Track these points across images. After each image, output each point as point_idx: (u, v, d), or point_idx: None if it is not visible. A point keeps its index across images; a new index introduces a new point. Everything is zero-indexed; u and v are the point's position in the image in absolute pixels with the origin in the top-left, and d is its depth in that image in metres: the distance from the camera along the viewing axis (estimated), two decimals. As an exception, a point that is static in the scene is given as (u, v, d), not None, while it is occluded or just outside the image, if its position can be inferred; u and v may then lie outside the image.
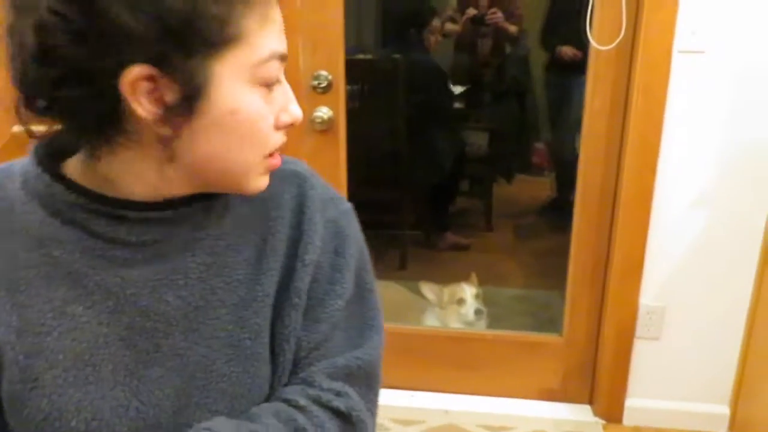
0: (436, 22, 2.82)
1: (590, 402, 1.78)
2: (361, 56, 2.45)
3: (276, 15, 0.53)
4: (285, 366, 0.61)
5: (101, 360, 0.54)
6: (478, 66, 3.43)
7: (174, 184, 0.55)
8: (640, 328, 1.64)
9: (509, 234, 3.27)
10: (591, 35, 1.50)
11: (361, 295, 0.67)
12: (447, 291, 1.93)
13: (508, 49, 3.46)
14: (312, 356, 0.62)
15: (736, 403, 1.64)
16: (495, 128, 3.24)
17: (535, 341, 1.83)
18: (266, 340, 0.61)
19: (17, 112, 0.52)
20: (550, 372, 1.80)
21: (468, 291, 1.90)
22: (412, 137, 2.67)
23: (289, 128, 0.57)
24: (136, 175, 0.54)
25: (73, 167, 0.56)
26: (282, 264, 0.62)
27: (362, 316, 0.67)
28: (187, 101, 0.49)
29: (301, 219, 0.63)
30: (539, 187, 3.64)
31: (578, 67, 3.03)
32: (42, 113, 0.51)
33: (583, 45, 2.99)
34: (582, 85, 3.04)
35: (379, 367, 0.67)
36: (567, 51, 3.02)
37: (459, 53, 3.50)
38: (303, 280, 0.62)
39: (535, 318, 2.36)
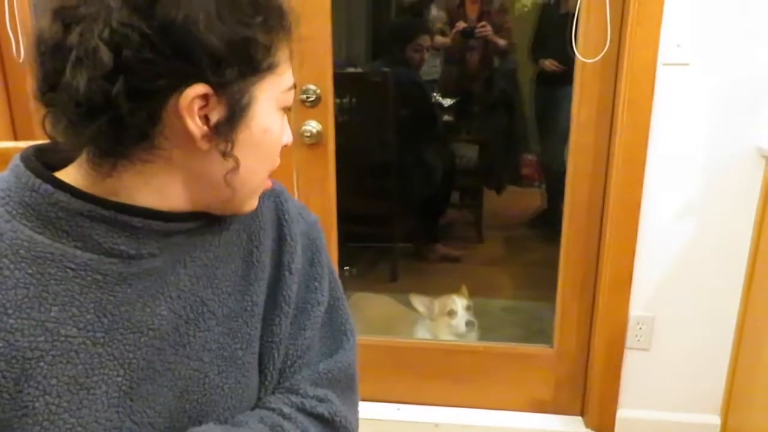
0: (424, 38, 2.84)
1: (582, 413, 1.78)
2: (350, 70, 2.47)
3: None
4: (273, 374, 0.63)
5: (95, 382, 0.53)
6: (467, 79, 3.46)
7: (182, 201, 0.55)
8: (630, 339, 1.64)
9: (500, 245, 3.28)
10: (576, 48, 1.52)
11: (333, 302, 0.71)
12: (438, 303, 1.93)
13: (496, 62, 3.50)
14: (296, 364, 0.64)
15: (726, 412, 1.64)
16: (485, 140, 3.26)
17: (526, 353, 1.82)
18: (256, 349, 0.62)
19: (43, 122, 0.52)
20: (541, 383, 1.79)
21: (459, 303, 1.90)
22: (401, 150, 2.69)
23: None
24: (153, 189, 0.54)
25: (71, 177, 0.54)
26: (269, 274, 0.64)
27: (336, 322, 0.71)
28: (231, 119, 0.52)
29: (282, 231, 0.66)
30: (529, 199, 3.66)
31: (564, 79, 3.08)
32: (69, 125, 0.50)
33: (568, 58, 3.05)
34: (568, 97, 3.10)
35: (356, 367, 0.71)
36: (549, 64, 3.06)
37: (448, 66, 3.53)
38: (291, 288, 0.64)
39: (525, 329, 2.36)
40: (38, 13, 0.50)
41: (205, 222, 0.59)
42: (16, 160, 0.54)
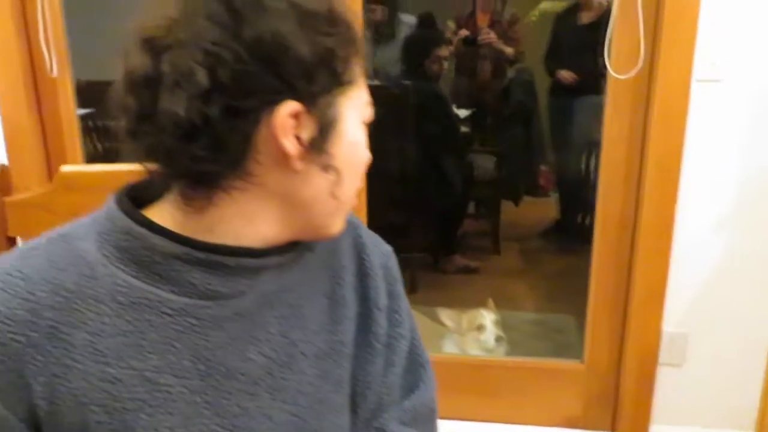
0: (442, 50, 2.85)
1: (613, 430, 1.77)
2: (374, 83, 2.48)
3: None
4: (365, 414, 0.62)
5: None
6: (479, 89, 3.47)
7: (274, 229, 0.55)
8: (663, 355, 1.63)
9: (516, 256, 3.28)
10: (609, 64, 1.52)
11: (411, 334, 0.69)
12: (466, 317, 1.93)
13: (510, 72, 3.50)
14: (385, 402, 0.63)
15: (760, 429, 1.63)
16: (502, 151, 3.26)
17: (556, 368, 1.82)
18: (347, 390, 0.61)
19: (141, 154, 0.52)
20: (571, 399, 1.78)
21: (488, 317, 1.89)
22: (421, 162, 2.69)
23: None
24: (247, 219, 0.53)
25: (164, 216, 0.53)
26: (355, 312, 0.63)
27: (413, 354, 0.69)
28: (322, 136, 0.51)
29: (363, 266, 0.65)
30: (543, 209, 3.66)
31: (580, 90, 3.09)
32: (167, 153, 0.49)
33: (584, 70, 3.06)
34: (584, 108, 3.10)
35: (436, 400, 0.69)
36: (565, 75, 3.07)
37: (459, 76, 3.54)
38: (380, 325, 0.63)
39: (549, 342, 2.35)
40: (125, 53, 0.50)
41: (289, 258, 0.58)
42: (110, 202, 0.54)
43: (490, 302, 1.99)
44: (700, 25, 1.40)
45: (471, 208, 3.45)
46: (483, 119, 3.42)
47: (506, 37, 3.37)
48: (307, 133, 0.50)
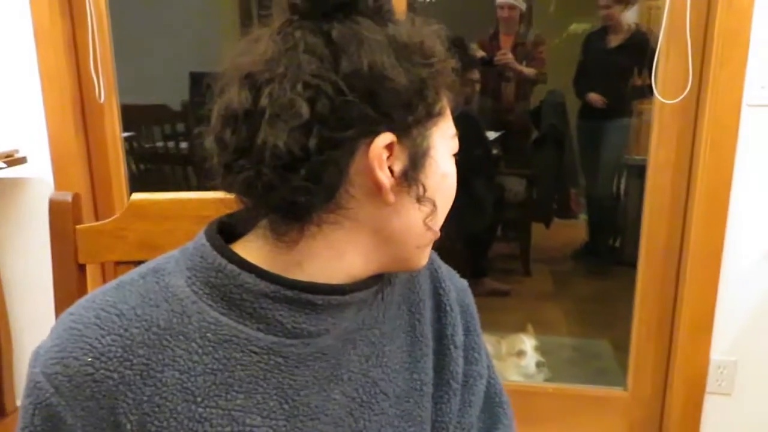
0: (473, 73, 2.86)
1: (657, 459, 1.73)
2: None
3: None
4: None
5: None
6: (506, 111, 3.47)
7: (361, 264, 0.54)
8: (711, 384, 1.60)
9: (547, 279, 3.25)
10: (656, 88, 1.51)
11: (488, 372, 0.67)
12: (505, 343, 1.90)
13: (540, 94, 3.50)
14: None
15: (814, 462, 1.58)
16: (532, 173, 3.25)
17: (598, 395, 1.78)
18: (428, 431, 0.59)
19: (226, 187, 0.52)
20: (614, 428, 1.75)
21: (527, 343, 1.87)
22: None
23: None
24: (338, 253, 0.52)
25: (252, 251, 0.53)
26: (432, 349, 0.61)
27: (491, 393, 0.67)
28: (413, 168, 0.51)
29: (440, 301, 0.63)
30: (573, 231, 3.63)
31: (609, 113, 3.08)
32: (264, 186, 0.49)
33: (612, 92, 3.05)
34: (614, 131, 3.08)
35: None
36: (595, 98, 3.06)
37: (484, 98, 3.55)
38: (458, 363, 0.61)
39: (585, 368, 2.32)
40: (220, 89, 0.51)
41: (371, 293, 0.57)
42: (201, 238, 0.54)
43: (530, 327, 1.97)
44: (750, 47, 1.39)
45: (501, 231, 3.43)
46: (512, 141, 3.41)
47: (530, 59, 3.38)
48: (400, 164, 0.50)
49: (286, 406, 0.52)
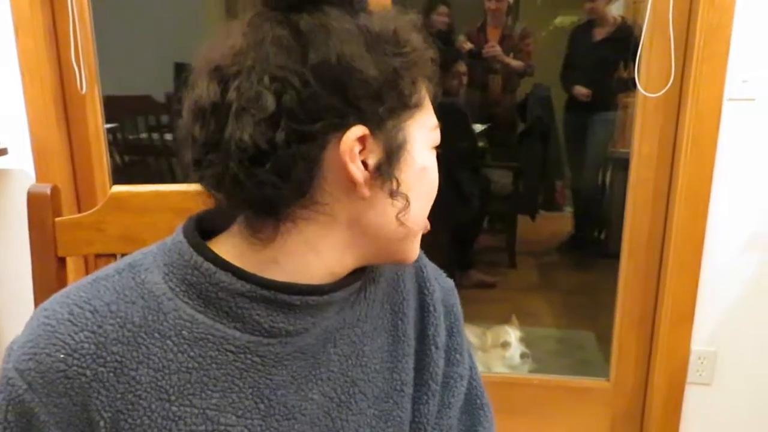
0: (460, 65, 2.86)
1: (639, 449, 1.75)
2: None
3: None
4: None
5: None
6: (493, 103, 3.47)
7: (347, 260, 0.53)
8: (692, 374, 1.62)
9: (533, 271, 3.27)
10: (639, 82, 1.52)
11: (470, 373, 0.66)
12: (490, 334, 1.92)
13: (526, 87, 3.51)
14: None
15: (791, 450, 1.61)
16: (518, 166, 3.26)
17: (581, 386, 1.80)
18: (407, 431, 0.59)
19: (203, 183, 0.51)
20: (597, 418, 1.77)
21: (512, 334, 1.88)
22: (440, 177, 2.69)
23: None
24: (314, 250, 0.52)
25: (227, 250, 0.52)
26: (414, 349, 0.60)
27: (471, 395, 0.66)
28: (389, 161, 0.50)
29: (424, 300, 0.62)
30: (558, 223, 3.65)
31: (595, 106, 3.09)
32: (232, 181, 0.48)
33: (597, 85, 3.06)
34: (600, 124, 3.10)
35: None
36: (581, 91, 3.07)
37: (471, 90, 3.55)
38: (438, 364, 0.61)
39: (569, 359, 2.34)
40: (191, 83, 0.50)
41: (352, 291, 0.56)
42: (179, 234, 0.53)
43: (514, 319, 1.98)
44: (732, 42, 1.40)
45: (487, 223, 3.44)
46: (498, 134, 3.42)
47: (517, 52, 3.38)
48: (374, 158, 0.49)
49: (261, 406, 0.52)
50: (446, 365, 0.62)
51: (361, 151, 0.49)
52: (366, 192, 0.50)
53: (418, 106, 0.52)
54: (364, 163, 0.49)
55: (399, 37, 0.50)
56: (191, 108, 0.50)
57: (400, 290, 0.61)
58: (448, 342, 0.63)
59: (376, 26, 0.49)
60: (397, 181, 0.51)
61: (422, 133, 0.52)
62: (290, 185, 0.48)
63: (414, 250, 0.57)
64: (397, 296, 0.61)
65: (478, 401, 0.66)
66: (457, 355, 0.63)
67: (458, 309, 0.66)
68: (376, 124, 0.49)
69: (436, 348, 0.61)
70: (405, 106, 0.50)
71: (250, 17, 0.49)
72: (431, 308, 0.62)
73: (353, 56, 0.47)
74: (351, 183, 0.49)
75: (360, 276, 0.57)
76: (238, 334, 0.50)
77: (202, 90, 0.48)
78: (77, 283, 0.53)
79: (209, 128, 0.48)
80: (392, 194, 0.51)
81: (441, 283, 0.65)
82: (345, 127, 0.47)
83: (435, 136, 0.54)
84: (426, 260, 0.65)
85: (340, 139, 0.48)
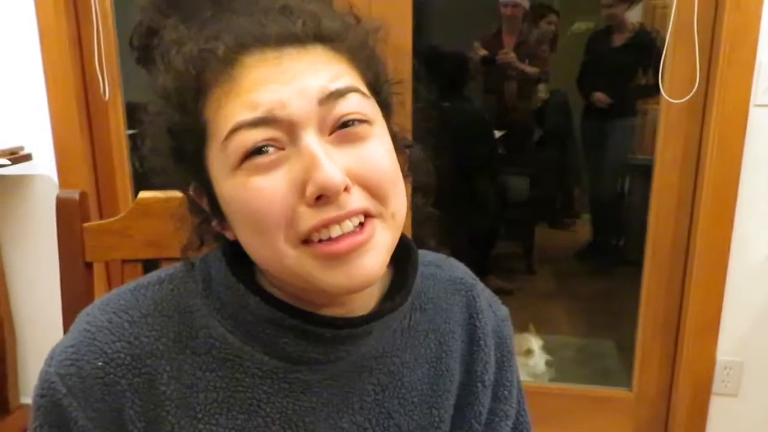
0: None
1: (662, 460, 1.72)
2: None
3: (253, 75, 0.44)
4: None
5: None
6: (509, 110, 3.46)
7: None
8: (717, 384, 1.59)
9: (551, 278, 3.24)
10: (662, 87, 1.50)
11: (518, 408, 0.63)
12: (511, 342, 1.89)
13: (543, 93, 3.49)
14: None
15: (820, 463, 1.57)
16: (536, 173, 3.24)
17: (603, 395, 1.78)
18: None
19: None
20: (620, 429, 1.74)
21: (534, 342, 1.86)
22: (456, 183, 2.68)
23: (329, 198, 0.43)
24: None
25: (263, 274, 0.51)
26: (458, 384, 0.57)
27: (518, 428, 0.63)
28: (210, 200, 0.49)
29: (474, 334, 0.58)
30: (576, 230, 3.63)
31: (613, 112, 3.07)
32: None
33: (616, 91, 3.04)
34: (618, 130, 3.07)
35: None
36: (600, 97, 3.05)
37: (487, 97, 3.54)
38: (483, 404, 0.57)
39: (589, 368, 2.31)
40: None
41: (393, 320, 0.54)
42: (219, 249, 0.52)
43: (532, 327, 1.96)
44: (759, 47, 1.38)
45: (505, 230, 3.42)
46: (516, 140, 3.40)
47: (533, 56, 3.37)
48: (204, 200, 0.52)
49: (289, 431, 0.50)
50: (493, 401, 0.59)
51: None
52: (229, 235, 0.50)
53: (204, 130, 0.47)
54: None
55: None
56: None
57: (448, 321, 0.58)
58: (497, 376, 0.59)
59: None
60: (221, 217, 0.50)
61: (216, 160, 0.46)
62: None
63: (321, 280, 0.45)
64: (443, 327, 0.57)
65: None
66: (506, 392, 0.60)
67: (511, 341, 0.61)
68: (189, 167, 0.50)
69: (483, 386, 0.57)
70: (198, 139, 0.48)
71: None
72: (482, 342, 0.58)
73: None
74: None
75: (403, 302, 0.53)
76: (266, 358, 0.50)
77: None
78: (119, 290, 0.53)
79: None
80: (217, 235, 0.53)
81: (496, 312, 0.61)
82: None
83: (232, 151, 0.44)
84: (479, 287, 0.61)
85: None
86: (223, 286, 0.50)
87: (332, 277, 0.45)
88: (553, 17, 3.27)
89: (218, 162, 0.45)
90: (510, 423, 0.60)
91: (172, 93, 0.45)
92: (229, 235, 0.49)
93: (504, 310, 0.63)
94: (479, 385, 0.57)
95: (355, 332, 0.50)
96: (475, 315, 0.59)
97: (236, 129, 0.43)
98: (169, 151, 0.48)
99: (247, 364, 0.49)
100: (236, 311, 0.50)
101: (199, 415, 0.49)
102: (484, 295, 0.61)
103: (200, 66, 0.44)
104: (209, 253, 0.54)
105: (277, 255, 0.45)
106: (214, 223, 0.50)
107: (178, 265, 0.55)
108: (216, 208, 0.49)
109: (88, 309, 0.52)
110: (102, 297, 0.53)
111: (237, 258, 0.51)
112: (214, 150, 0.46)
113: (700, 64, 1.45)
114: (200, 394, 0.49)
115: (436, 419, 0.55)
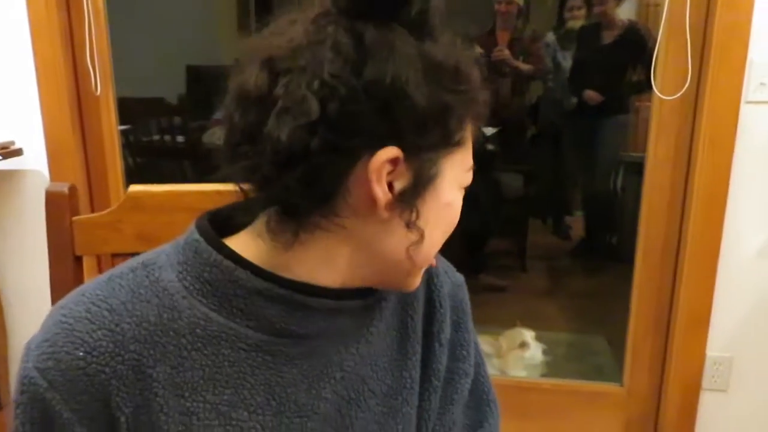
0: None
1: (653, 455, 1.74)
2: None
3: None
4: None
5: None
6: (503, 107, 3.46)
7: (344, 274, 0.52)
8: (707, 380, 1.60)
9: (543, 275, 3.25)
10: (654, 84, 1.51)
11: (476, 368, 0.66)
12: (504, 339, 1.90)
13: (538, 90, 3.50)
14: None
15: (808, 458, 1.59)
16: (529, 170, 3.25)
17: (594, 391, 1.78)
18: (413, 428, 0.59)
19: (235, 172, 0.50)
20: (610, 423, 1.75)
21: (528, 334, 1.88)
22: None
23: None
24: (326, 261, 0.51)
25: (244, 247, 0.52)
26: (421, 345, 0.60)
27: (478, 390, 0.66)
28: (414, 190, 0.49)
29: (431, 296, 0.62)
30: (573, 229, 3.64)
31: (605, 109, 3.08)
32: (262, 178, 0.48)
33: (607, 88, 3.05)
34: (610, 128, 3.08)
35: None
36: (591, 95, 3.05)
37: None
38: (441, 362, 0.61)
39: (581, 364, 2.32)
40: (240, 66, 0.49)
41: (372, 301, 0.57)
42: (193, 232, 0.52)
43: (518, 324, 1.97)
44: (750, 44, 1.38)
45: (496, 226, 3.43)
46: (509, 137, 3.41)
47: (528, 53, 3.37)
48: (401, 183, 0.48)
49: (273, 403, 0.52)
50: (451, 361, 0.62)
51: (390, 173, 0.47)
52: (384, 214, 0.48)
53: (459, 144, 0.50)
54: (390, 185, 0.48)
55: (459, 72, 0.48)
56: (235, 91, 0.49)
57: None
58: (454, 337, 0.63)
59: (438, 56, 0.47)
60: (417, 212, 0.49)
61: (456, 172, 0.51)
62: (315, 193, 0.47)
63: (415, 283, 0.56)
64: (408, 295, 0.61)
65: (485, 397, 0.66)
66: (463, 351, 0.63)
67: (466, 304, 0.65)
68: (412, 151, 0.47)
69: (440, 345, 0.61)
70: (447, 142, 0.49)
71: (315, 15, 0.48)
72: (437, 304, 0.62)
73: (409, 82, 0.45)
74: (372, 201, 0.48)
75: (374, 290, 0.56)
76: (250, 332, 0.51)
77: (251, 77, 0.47)
78: (92, 282, 0.53)
79: (249, 118, 0.47)
80: (409, 225, 0.50)
81: (451, 278, 0.65)
82: (381, 147, 0.46)
83: (468, 177, 0.54)
84: (437, 255, 0.64)
85: (372, 155, 0.46)
86: (207, 266, 0.50)
87: (418, 282, 0.57)
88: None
89: (454, 173, 0.51)
90: (469, 380, 0.64)
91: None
92: (384, 212, 0.49)
93: (459, 277, 0.66)
94: (436, 344, 0.61)
95: (336, 305, 0.52)
96: (431, 278, 0.62)
97: (471, 167, 0.54)
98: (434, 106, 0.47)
99: (232, 340, 0.50)
100: (222, 288, 0.50)
101: (186, 394, 0.50)
102: (441, 261, 0.65)
103: (477, 96, 0.52)
104: (176, 240, 0.54)
105: (431, 255, 0.54)
106: (393, 190, 0.48)
107: (147, 253, 0.55)
108: (415, 190, 0.49)
109: (61, 302, 0.51)
110: (73, 291, 0.52)
111: (212, 240, 0.52)
112: (455, 161, 0.51)
113: (692, 61, 1.45)
114: (186, 373, 0.50)
115: (408, 381, 0.59)
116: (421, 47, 0.47)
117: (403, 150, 0.47)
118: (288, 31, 0.48)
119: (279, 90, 0.45)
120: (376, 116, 0.45)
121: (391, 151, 0.46)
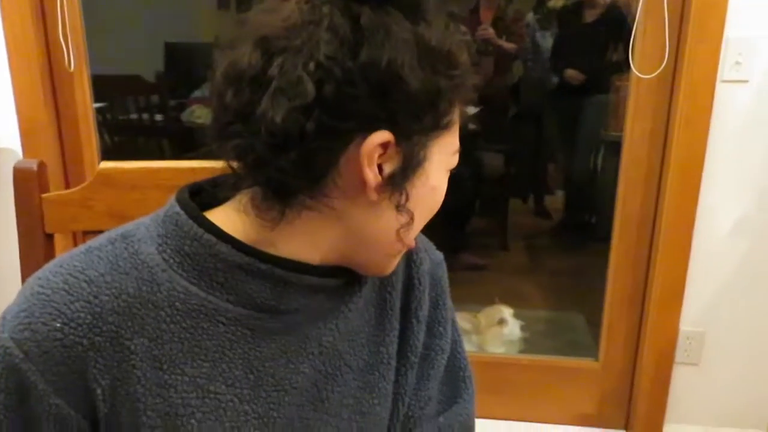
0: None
1: (626, 428, 1.78)
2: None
3: None
4: (395, 428, 0.61)
5: None
6: (485, 86, 3.45)
7: (330, 254, 0.53)
8: (680, 354, 1.64)
9: (524, 254, 3.28)
10: (633, 63, 1.51)
11: (453, 345, 0.67)
12: (483, 316, 1.92)
13: (518, 69, 3.49)
14: (418, 416, 0.62)
15: (776, 428, 1.64)
16: (511, 149, 3.26)
17: (570, 366, 1.82)
18: (389, 403, 0.60)
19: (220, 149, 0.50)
20: (585, 397, 1.79)
21: (506, 311, 1.90)
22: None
23: None
24: (313, 240, 0.52)
25: (227, 222, 0.52)
26: (399, 321, 0.61)
27: (454, 367, 0.67)
28: (404, 173, 0.49)
29: (410, 273, 0.63)
30: (549, 207, 3.66)
31: (587, 89, 3.08)
32: (255, 159, 0.47)
33: (589, 68, 3.05)
34: (592, 107, 3.09)
35: (474, 419, 0.68)
36: (572, 74, 3.06)
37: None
38: (418, 338, 0.61)
39: (558, 340, 2.36)
40: (231, 42, 0.48)
41: (352, 280, 0.57)
42: (174, 205, 0.52)
43: (497, 300, 1.99)
44: (726, 24, 1.39)
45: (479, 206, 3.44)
46: (491, 117, 3.41)
47: (510, 32, 3.36)
48: (391, 166, 0.48)
49: (251, 376, 0.52)
50: (428, 337, 0.63)
51: (380, 156, 0.48)
52: (373, 196, 0.49)
53: (447, 127, 0.51)
54: (380, 168, 0.48)
55: (452, 56, 0.48)
56: (227, 69, 0.48)
57: None
58: (432, 314, 0.64)
59: (432, 40, 0.47)
60: (407, 195, 0.50)
61: (443, 154, 0.52)
62: (307, 174, 0.48)
63: (393, 266, 0.58)
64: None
65: (461, 373, 0.67)
66: (440, 328, 0.64)
67: (445, 282, 0.66)
68: (403, 135, 0.48)
69: (418, 321, 0.62)
70: (436, 126, 0.50)
71: None
72: (416, 281, 0.62)
73: (404, 66, 0.45)
74: (361, 184, 0.48)
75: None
76: (230, 306, 0.51)
77: (243, 56, 0.46)
78: (70, 253, 0.52)
79: (242, 98, 0.46)
80: (399, 207, 0.50)
81: (430, 255, 0.65)
82: (374, 130, 0.47)
83: (454, 160, 0.54)
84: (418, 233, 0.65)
85: (364, 138, 0.47)
86: (187, 239, 0.50)
87: (395, 265, 0.58)
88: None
89: (441, 155, 0.51)
90: (445, 357, 0.64)
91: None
92: (373, 194, 0.49)
93: (439, 255, 0.67)
94: (414, 321, 0.62)
95: (317, 282, 0.53)
96: (411, 255, 0.63)
97: (457, 150, 0.54)
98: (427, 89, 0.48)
99: (211, 313, 0.50)
100: (202, 261, 0.50)
101: (164, 366, 0.50)
102: (421, 238, 0.65)
103: (467, 80, 0.52)
104: (156, 212, 0.54)
105: (412, 237, 0.54)
106: (383, 173, 0.49)
107: (126, 225, 0.54)
108: (405, 173, 0.49)
109: (38, 273, 0.51)
110: (51, 262, 0.52)
111: (193, 213, 0.51)
112: (443, 144, 0.51)
113: (669, 39, 1.46)
114: (165, 345, 0.50)
115: (385, 356, 0.59)
116: (415, 30, 0.46)
117: (395, 133, 0.47)
118: (280, 8, 0.47)
119: (273, 70, 0.45)
120: (371, 99, 0.46)
121: (384, 135, 0.47)
